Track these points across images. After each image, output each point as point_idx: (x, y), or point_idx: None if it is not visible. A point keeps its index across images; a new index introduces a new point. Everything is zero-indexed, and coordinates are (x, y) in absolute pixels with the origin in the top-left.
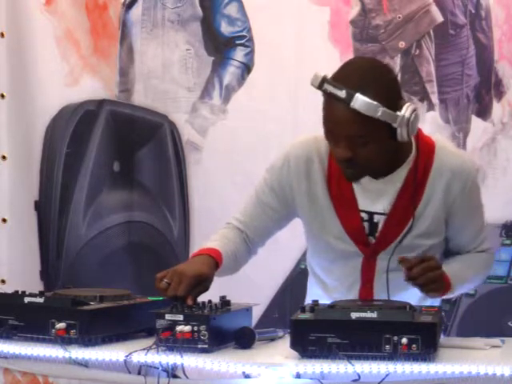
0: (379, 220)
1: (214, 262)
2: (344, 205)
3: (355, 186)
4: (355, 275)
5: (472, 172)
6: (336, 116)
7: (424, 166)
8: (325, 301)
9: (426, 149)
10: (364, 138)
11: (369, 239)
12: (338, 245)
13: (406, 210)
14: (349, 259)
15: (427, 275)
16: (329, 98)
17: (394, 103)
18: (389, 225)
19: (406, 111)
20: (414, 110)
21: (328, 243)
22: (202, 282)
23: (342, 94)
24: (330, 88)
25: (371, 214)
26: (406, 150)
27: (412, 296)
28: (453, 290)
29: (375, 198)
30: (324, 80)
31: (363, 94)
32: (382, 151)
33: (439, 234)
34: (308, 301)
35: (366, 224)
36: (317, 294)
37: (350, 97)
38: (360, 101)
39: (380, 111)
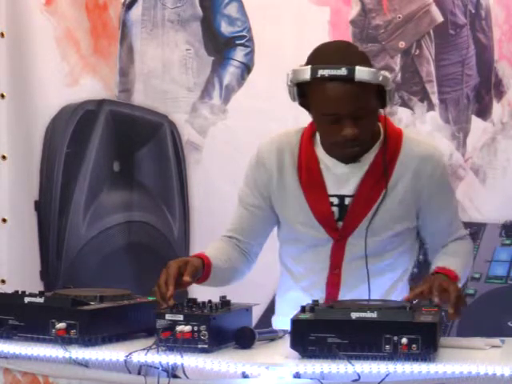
0: (349, 203)
1: (199, 259)
2: (314, 191)
3: (324, 172)
4: (325, 262)
5: (441, 159)
6: (342, 95)
7: (392, 151)
8: (294, 290)
9: (394, 135)
10: (368, 108)
11: (338, 224)
12: (308, 232)
13: (371, 193)
14: (319, 246)
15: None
16: (327, 83)
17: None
18: (355, 207)
19: (387, 74)
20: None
21: (298, 232)
22: (187, 262)
23: (343, 71)
24: (327, 71)
25: (342, 198)
26: (374, 135)
27: (380, 285)
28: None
29: (344, 181)
30: (315, 68)
31: (359, 65)
32: (375, 122)
33: (407, 219)
34: (279, 293)
35: (335, 209)
36: (286, 285)
37: (352, 71)
38: (362, 72)
39: (381, 76)
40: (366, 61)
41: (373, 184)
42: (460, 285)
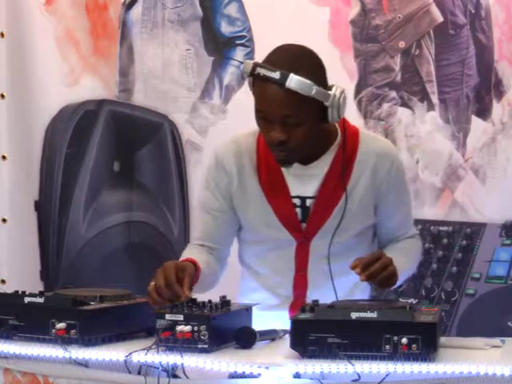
0: (311, 204)
1: (192, 265)
2: (276, 193)
3: (285, 173)
4: (289, 263)
5: (397, 155)
6: (271, 97)
7: (350, 150)
8: (260, 291)
9: (351, 135)
10: (298, 117)
11: (302, 226)
12: (271, 233)
13: (332, 194)
14: (283, 247)
15: (383, 274)
16: (262, 82)
17: (324, 84)
18: (317, 208)
19: (336, 91)
20: (343, 92)
21: (262, 233)
22: (184, 269)
23: (276, 75)
24: (262, 71)
25: (303, 199)
26: (331, 135)
27: (344, 283)
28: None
29: (305, 183)
30: (256, 65)
31: (297, 74)
32: (313, 133)
33: (368, 217)
34: (240, 297)
35: (298, 210)
36: (250, 286)
37: (285, 77)
38: (295, 80)
39: (314, 89)
40: (314, 72)
41: (334, 185)
42: (401, 279)
